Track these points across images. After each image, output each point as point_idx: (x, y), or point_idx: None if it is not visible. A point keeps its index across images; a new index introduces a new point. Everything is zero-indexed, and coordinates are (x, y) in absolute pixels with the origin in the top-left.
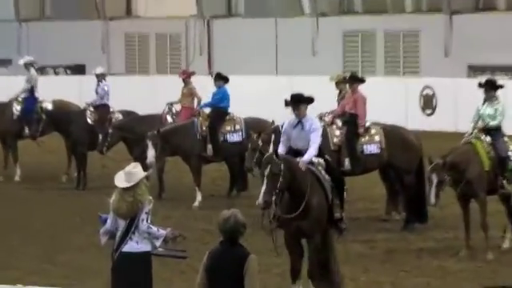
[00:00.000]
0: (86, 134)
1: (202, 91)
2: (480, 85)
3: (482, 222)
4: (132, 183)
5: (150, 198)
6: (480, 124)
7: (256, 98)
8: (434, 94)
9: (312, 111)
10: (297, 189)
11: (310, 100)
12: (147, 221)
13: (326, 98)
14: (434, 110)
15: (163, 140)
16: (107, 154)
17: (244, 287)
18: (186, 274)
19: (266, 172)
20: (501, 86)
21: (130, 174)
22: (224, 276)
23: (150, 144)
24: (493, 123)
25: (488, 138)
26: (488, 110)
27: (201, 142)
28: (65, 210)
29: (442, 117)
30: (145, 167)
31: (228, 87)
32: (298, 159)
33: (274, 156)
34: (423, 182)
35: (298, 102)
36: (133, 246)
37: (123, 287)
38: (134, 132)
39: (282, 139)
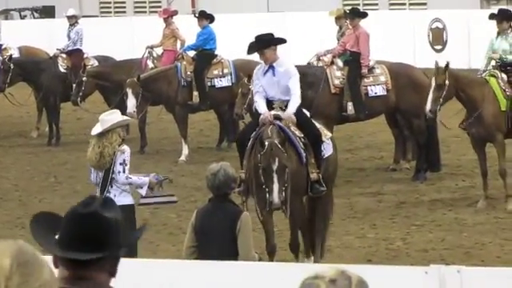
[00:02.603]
0: (58, 84)
1: (186, 32)
2: (491, 16)
3: (500, 168)
4: (101, 130)
5: (124, 147)
6: (494, 59)
7: (245, 38)
8: (443, 28)
9: (309, 50)
10: (280, 167)
11: (277, 41)
12: (124, 172)
13: (324, 36)
14: (444, 45)
15: (144, 88)
16: (82, 105)
17: (237, 247)
18: (174, 235)
19: (275, 167)
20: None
21: (103, 121)
22: (215, 236)
23: (129, 92)
24: (510, 58)
25: (504, 76)
26: (503, 44)
27: (185, 89)
28: (36, 169)
29: (454, 53)
30: None
31: (214, 27)
32: (271, 112)
33: (279, 144)
34: (435, 126)
35: (262, 46)
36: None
37: None
38: (111, 80)
39: (255, 90)
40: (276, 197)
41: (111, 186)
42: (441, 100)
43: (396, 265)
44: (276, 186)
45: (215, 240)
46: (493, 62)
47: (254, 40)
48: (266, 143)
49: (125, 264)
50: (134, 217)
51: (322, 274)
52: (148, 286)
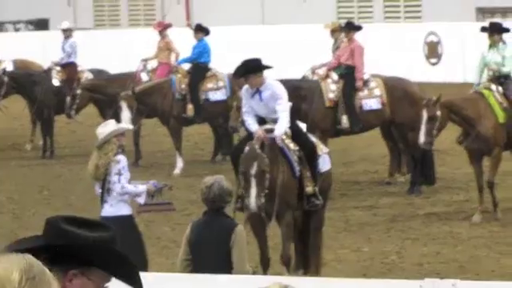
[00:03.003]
0: (52, 97)
1: (181, 45)
2: (483, 29)
3: (489, 179)
4: (98, 143)
5: (119, 157)
6: (488, 72)
7: (240, 50)
8: (439, 41)
9: (305, 63)
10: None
11: (263, 68)
12: (119, 181)
13: (319, 49)
14: (439, 58)
15: (138, 101)
16: (76, 118)
17: (231, 260)
18: (168, 248)
19: (253, 171)
20: (507, 30)
21: (99, 134)
22: (209, 249)
23: (124, 105)
24: (505, 70)
25: (500, 88)
26: (495, 56)
27: (180, 102)
28: (30, 182)
29: (449, 66)
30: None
31: (208, 40)
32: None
33: (259, 149)
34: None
35: (248, 72)
36: (107, 209)
37: None
38: (105, 93)
39: (244, 110)
40: (253, 201)
41: (109, 196)
42: (435, 132)
43: (391, 278)
44: (253, 191)
45: (209, 253)
46: (485, 75)
47: (240, 64)
48: (247, 148)
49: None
50: (134, 227)
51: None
52: None
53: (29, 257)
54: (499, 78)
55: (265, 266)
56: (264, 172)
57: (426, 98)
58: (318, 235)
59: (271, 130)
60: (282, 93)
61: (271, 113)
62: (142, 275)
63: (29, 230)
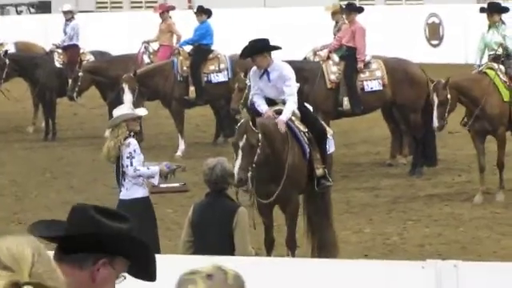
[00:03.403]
0: (54, 79)
1: (182, 27)
2: (482, 9)
3: (498, 160)
4: (108, 126)
5: (129, 140)
6: (489, 53)
7: (243, 33)
8: (440, 23)
9: (306, 46)
10: (274, 155)
11: (270, 49)
12: (131, 164)
13: (320, 31)
14: (440, 40)
15: (140, 83)
16: (78, 101)
17: (233, 242)
18: (170, 230)
19: (242, 143)
20: (506, 9)
21: (112, 117)
22: (212, 231)
23: (126, 88)
24: (510, 49)
25: (502, 67)
26: (495, 36)
27: (182, 84)
28: (32, 164)
29: (451, 47)
30: None
31: (211, 22)
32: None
33: (251, 123)
34: (431, 121)
35: (254, 53)
36: (123, 192)
37: None
38: (107, 75)
39: (253, 92)
40: (235, 173)
41: (124, 180)
42: (446, 115)
43: (393, 260)
44: (238, 163)
45: (212, 235)
46: (485, 56)
47: (247, 45)
48: (241, 121)
49: None
50: (150, 210)
51: (199, 269)
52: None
53: (34, 238)
54: (500, 57)
55: (269, 248)
56: (253, 146)
57: (433, 80)
58: (328, 215)
59: (280, 112)
60: (290, 74)
61: (280, 94)
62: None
63: (31, 212)
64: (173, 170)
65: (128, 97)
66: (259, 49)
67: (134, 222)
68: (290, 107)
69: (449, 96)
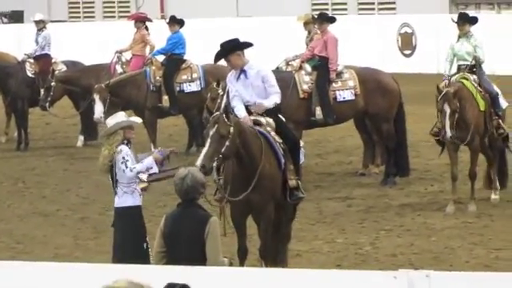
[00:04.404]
0: (26, 89)
1: (154, 37)
2: (453, 20)
3: (471, 170)
4: (102, 134)
5: (120, 147)
6: (457, 63)
7: (214, 42)
8: (412, 33)
9: (278, 55)
10: (248, 157)
11: (242, 46)
12: (126, 167)
13: (292, 41)
14: (413, 50)
15: (113, 93)
16: (50, 110)
17: (205, 252)
18: None
19: (211, 132)
20: (476, 20)
21: (106, 125)
22: (183, 241)
23: (97, 98)
24: (482, 59)
25: (475, 77)
26: (465, 46)
27: (155, 94)
28: (5, 174)
29: (423, 57)
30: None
31: (183, 32)
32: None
33: (224, 116)
34: (404, 131)
35: (227, 52)
36: (117, 201)
37: (114, 241)
38: (79, 85)
39: (231, 95)
40: (199, 159)
41: (117, 188)
42: (454, 123)
43: (365, 269)
44: (204, 150)
45: (184, 245)
46: (454, 66)
47: (219, 48)
48: (216, 113)
49: (94, 269)
50: (139, 219)
51: (114, 284)
52: None
53: None
54: (471, 68)
55: (242, 258)
56: (222, 136)
57: (443, 90)
58: (289, 226)
59: (258, 122)
60: (270, 74)
61: (257, 94)
62: (118, 267)
63: (3, 221)
64: (167, 155)
65: (98, 107)
66: (232, 48)
67: None
68: (273, 99)
69: (458, 105)
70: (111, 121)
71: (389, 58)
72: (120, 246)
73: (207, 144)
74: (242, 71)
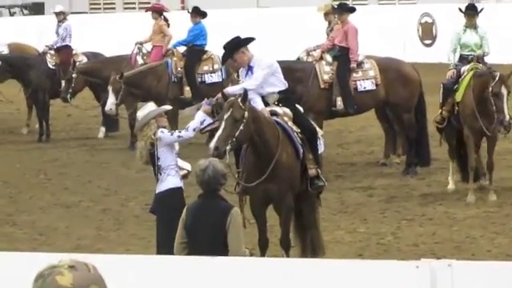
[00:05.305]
0: (48, 80)
1: (175, 28)
2: (460, 10)
3: (489, 160)
4: (136, 129)
5: (158, 135)
6: (462, 53)
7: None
8: (433, 22)
9: (299, 46)
10: (264, 145)
11: (244, 42)
12: (179, 132)
13: (313, 32)
14: (433, 39)
15: (132, 85)
16: (72, 102)
17: (227, 242)
18: None
19: (226, 115)
20: (481, 11)
21: (137, 118)
22: (205, 232)
23: (110, 90)
24: (488, 51)
25: (483, 67)
26: (473, 37)
27: (176, 85)
28: (26, 165)
29: (443, 47)
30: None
31: (205, 23)
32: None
33: (239, 100)
34: (425, 121)
35: (231, 52)
36: (160, 186)
37: (158, 226)
38: (100, 76)
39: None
40: (213, 141)
41: (160, 174)
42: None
43: (387, 259)
44: (219, 133)
45: (206, 236)
46: (457, 55)
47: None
48: (230, 98)
49: (116, 260)
50: (182, 200)
51: (58, 263)
52: (139, 281)
53: None
54: (479, 59)
55: (263, 248)
56: (236, 120)
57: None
58: (315, 215)
59: (275, 113)
60: (268, 64)
61: (268, 85)
62: (140, 258)
63: (25, 213)
64: (216, 103)
65: (110, 99)
66: (234, 46)
67: None
68: (248, 84)
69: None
70: (141, 113)
71: (409, 48)
72: (164, 226)
73: (221, 127)
74: (249, 68)
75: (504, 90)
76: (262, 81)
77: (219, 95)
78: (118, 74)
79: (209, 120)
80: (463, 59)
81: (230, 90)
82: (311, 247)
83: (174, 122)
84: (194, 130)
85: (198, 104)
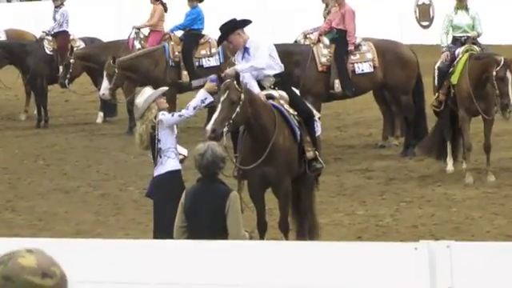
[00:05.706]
0: (45, 66)
1: (173, 13)
2: None
3: (486, 142)
4: (138, 115)
5: (159, 117)
6: (454, 34)
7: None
8: (430, 4)
9: (296, 29)
10: (260, 128)
11: (239, 25)
12: (180, 111)
13: (310, 14)
14: (431, 21)
15: (131, 69)
16: (69, 87)
17: (226, 226)
18: None
19: (223, 98)
20: None
21: (137, 105)
22: (204, 215)
23: (104, 74)
24: (480, 31)
25: (479, 49)
26: (465, 19)
27: (174, 69)
28: (25, 151)
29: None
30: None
31: (202, 7)
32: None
33: (235, 83)
34: (423, 102)
35: (226, 35)
36: (159, 168)
37: (155, 208)
38: (98, 61)
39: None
40: (210, 124)
41: (160, 156)
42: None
43: (385, 241)
44: (215, 115)
45: (205, 220)
46: (450, 37)
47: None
48: (226, 80)
49: (114, 245)
50: (180, 182)
51: (15, 250)
52: (139, 266)
53: None
54: (472, 40)
55: (262, 231)
56: (233, 102)
57: (500, 58)
58: (311, 198)
59: (271, 96)
60: (264, 44)
61: (267, 65)
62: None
63: (24, 199)
64: (221, 80)
65: (105, 83)
66: (230, 28)
67: None
68: (254, 64)
69: None
70: (140, 99)
71: (406, 30)
72: (162, 209)
73: (218, 109)
74: (245, 50)
75: (509, 75)
76: (268, 59)
77: (226, 71)
78: (110, 59)
79: (210, 99)
80: (456, 41)
81: (240, 68)
82: (308, 231)
83: (171, 107)
84: (195, 108)
85: (204, 78)
